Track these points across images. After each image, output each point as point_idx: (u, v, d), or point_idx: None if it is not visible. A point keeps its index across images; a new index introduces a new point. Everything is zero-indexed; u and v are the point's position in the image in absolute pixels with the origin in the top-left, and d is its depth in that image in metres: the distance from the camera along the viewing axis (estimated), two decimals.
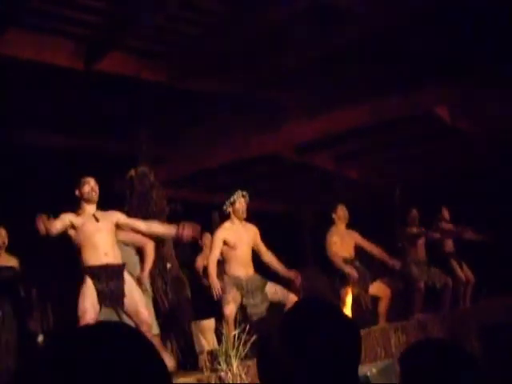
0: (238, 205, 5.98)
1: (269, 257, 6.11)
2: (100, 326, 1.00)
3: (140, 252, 5.80)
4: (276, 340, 1.52)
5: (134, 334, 0.97)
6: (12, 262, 6.00)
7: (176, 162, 8.65)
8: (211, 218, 7.74)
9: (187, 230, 5.30)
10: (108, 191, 5.43)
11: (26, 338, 5.68)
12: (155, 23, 5.92)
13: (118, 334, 0.95)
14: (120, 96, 6.79)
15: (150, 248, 5.72)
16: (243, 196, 6.02)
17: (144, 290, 5.50)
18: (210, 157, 8.56)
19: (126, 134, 7.30)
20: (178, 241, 5.61)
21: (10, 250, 5.97)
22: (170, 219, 6.25)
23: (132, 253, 5.77)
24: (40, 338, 5.81)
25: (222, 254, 5.93)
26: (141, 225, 5.38)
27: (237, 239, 5.93)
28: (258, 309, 5.76)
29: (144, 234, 5.47)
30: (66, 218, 5.04)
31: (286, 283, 6.21)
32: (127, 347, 0.92)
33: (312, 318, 1.53)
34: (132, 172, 6.33)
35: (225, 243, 5.89)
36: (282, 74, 7.06)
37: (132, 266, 5.62)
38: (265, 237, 6.22)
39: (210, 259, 5.85)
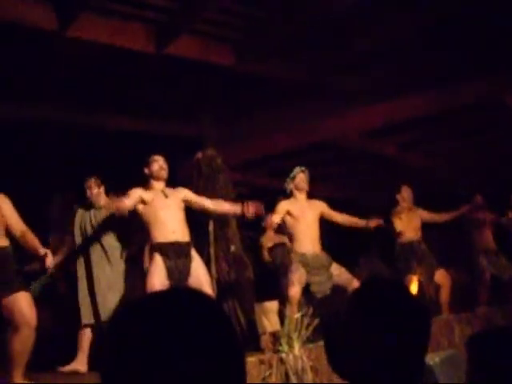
0: (298, 179, 6.09)
1: (344, 217, 6.16)
2: (179, 291, 1.03)
3: None
4: (343, 318, 1.53)
5: (212, 302, 0.99)
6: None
7: (242, 146, 8.70)
8: (276, 203, 7.77)
9: (252, 208, 5.38)
10: (174, 174, 5.53)
11: None
12: (223, 7, 5.97)
13: (196, 300, 0.98)
14: (188, 79, 6.87)
15: None
16: (302, 171, 6.11)
17: None
18: (275, 142, 8.58)
19: (193, 117, 7.40)
20: (242, 219, 5.67)
21: None
22: (236, 202, 6.30)
23: None
24: None
25: (288, 229, 6.01)
26: (207, 202, 5.46)
27: (300, 213, 6.00)
28: (322, 286, 5.80)
29: (210, 212, 5.58)
30: (136, 193, 5.15)
31: (350, 268, 6.21)
32: (205, 314, 0.95)
33: (382, 298, 1.54)
34: (199, 155, 6.41)
35: (288, 213, 5.97)
36: (348, 60, 7.01)
37: None
38: (328, 224, 6.24)
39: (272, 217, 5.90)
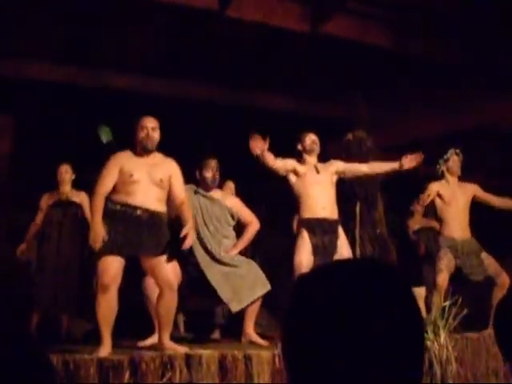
0: (451, 162, 5.89)
1: (501, 200, 5.90)
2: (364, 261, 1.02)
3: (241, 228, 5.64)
4: None
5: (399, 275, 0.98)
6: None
7: (393, 129, 8.52)
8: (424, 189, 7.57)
9: (410, 161, 5.24)
10: (323, 155, 5.52)
11: None
12: None
13: (385, 271, 0.97)
14: (341, 59, 6.82)
15: (252, 228, 5.52)
16: (456, 154, 5.89)
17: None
18: (428, 126, 8.31)
19: (344, 97, 7.34)
20: (398, 171, 5.42)
21: None
22: (385, 185, 6.23)
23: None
24: None
25: (437, 212, 5.84)
26: (362, 166, 5.39)
27: (451, 196, 5.80)
28: (474, 269, 5.60)
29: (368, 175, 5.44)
30: (290, 162, 5.17)
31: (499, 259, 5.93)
32: (393, 286, 0.95)
33: None
34: (349, 136, 6.37)
35: (439, 196, 5.79)
36: (505, 41, 6.62)
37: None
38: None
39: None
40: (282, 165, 5.12)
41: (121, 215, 4.37)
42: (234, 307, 5.21)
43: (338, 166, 5.31)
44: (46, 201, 6.17)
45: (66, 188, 6.21)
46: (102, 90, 7.08)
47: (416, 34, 6.65)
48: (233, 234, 5.56)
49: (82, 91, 7.12)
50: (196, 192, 5.46)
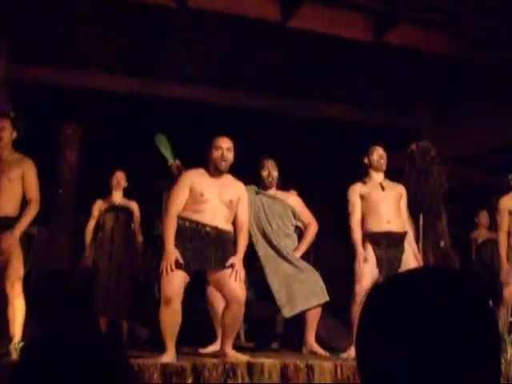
0: None
1: None
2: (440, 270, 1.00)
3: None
4: None
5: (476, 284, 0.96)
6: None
7: (457, 139, 8.36)
8: (490, 201, 7.40)
9: None
10: (387, 165, 5.46)
11: None
12: None
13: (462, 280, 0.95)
14: (405, 68, 6.75)
15: (312, 229, 5.53)
16: None
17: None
18: (494, 136, 8.11)
19: (408, 107, 7.27)
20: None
21: None
22: (448, 196, 6.12)
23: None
24: None
25: (506, 226, 5.69)
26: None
27: None
28: None
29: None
30: (356, 191, 5.21)
31: None
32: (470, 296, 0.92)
33: None
34: (413, 146, 6.28)
35: (510, 213, 5.65)
36: None
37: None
38: None
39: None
40: (358, 210, 5.17)
41: (190, 232, 4.48)
42: (287, 313, 5.22)
43: (402, 194, 5.34)
44: (98, 207, 6.34)
45: (119, 194, 6.37)
46: (163, 100, 7.20)
47: (481, 42, 6.52)
48: (294, 234, 5.58)
49: (144, 101, 7.25)
50: (257, 192, 5.53)
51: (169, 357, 4.27)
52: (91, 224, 6.29)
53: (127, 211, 6.31)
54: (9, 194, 4.57)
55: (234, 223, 4.63)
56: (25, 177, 4.62)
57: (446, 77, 7.07)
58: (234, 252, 4.52)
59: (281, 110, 7.55)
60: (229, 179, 4.66)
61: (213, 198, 4.50)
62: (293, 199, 5.66)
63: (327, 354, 5.06)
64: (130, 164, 6.65)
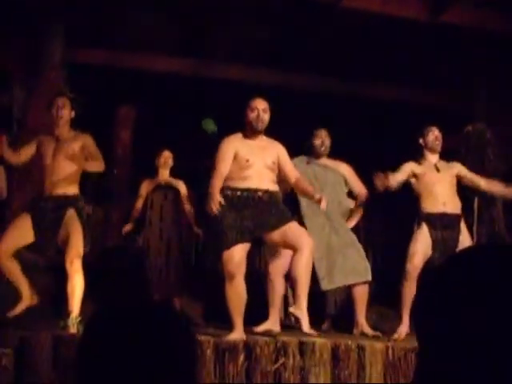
0: None
1: None
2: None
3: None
4: None
5: None
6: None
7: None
8: None
9: None
10: (443, 146, 5.38)
11: None
12: None
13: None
14: (461, 49, 6.61)
15: (363, 198, 5.53)
16: None
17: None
18: None
19: (464, 88, 7.13)
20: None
21: None
22: (505, 178, 5.97)
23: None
24: None
25: None
26: (480, 181, 5.25)
27: None
28: None
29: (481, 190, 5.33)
30: (408, 168, 5.16)
31: None
32: None
33: None
34: (469, 128, 6.17)
35: None
36: None
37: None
38: None
39: None
40: (402, 177, 5.13)
41: (244, 200, 4.47)
42: (325, 285, 5.23)
43: (460, 170, 5.25)
44: (146, 186, 6.40)
45: (166, 173, 6.43)
46: (216, 80, 7.23)
47: None
48: (347, 202, 5.58)
49: (196, 82, 7.30)
50: (308, 162, 5.54)
51: (237, 334, 4.29)
52: (139, 203, 6.35)
53: (175, 189, 6.37)
54: (68, 170, 4.65)
55: (286, 182, 4.67)
56: (85, 147, 4.70)
57: (501, 58, 6.90)
58: (288, 210, 4.62)
59: (332, 90, 7.49)
60: (266, 141, 4.66)
61: (257, 161, 4.51)
62: (344, 167, 5.61)
63: (379, 334, 5.04)
64: (181, 144, 6.70)
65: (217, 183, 4.48)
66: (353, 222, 5.54)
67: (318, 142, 5.49)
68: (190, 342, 1.16)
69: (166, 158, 6.42)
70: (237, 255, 4.36)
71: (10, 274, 4.60)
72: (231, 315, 4.39)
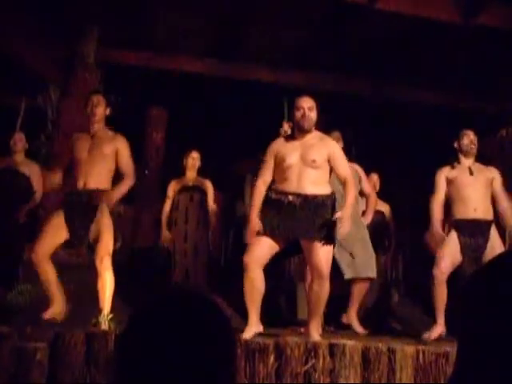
0: None
1: None
2: None
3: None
4: None
5: None
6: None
7: None
8: None
9: None
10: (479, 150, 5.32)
11: None
12: None
13: None
14: (495, 51, 6.53)
15: (374, 199, 5.64)
16: None
17: None
18: None
19: (498, 91, 7.04)
20: None
21: None
22: None
23: None
24: None
25: None
26: (503, 202, 5.10)
27: None
28: None
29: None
30: (442, 178, 5.11)
31: None
32: None
33: None
34: (503, 132, 6.10)
35: None
36: None
37: None
38: None
39: None
40: (442, 195, 5.11)
41: (275, 202, 4.38)
42: (349, 274, 5.28)
43: (494, 176, 5.13)
44: (173, 187, 6.40)
45: (193, 174, 6.43)
46: (250, 83, 7.25)
47: None
48: (361, 200, 5.64)
49: (230, 84, 7.33)
50: None
51: (251, 329, 4.29)
52: (167, 205, 6.36)
53: (201, 190, 6.37)
54: (101, 167, 4.67)
55: (341, 178, 4.48)
56: (119, 152, 4.70)
57: None
58: (329, 216, 4.32)
59: (366, 94, 7.46)
60: (315, 138, 4.46)
61: (296, 162, 4.36)
62: (357, 167, 5.65)
63: (365, 332, 5.23)
64: (213, 146, 6.73)
65: (255, 198, 4.45)
66: (368, 218, 5.61)
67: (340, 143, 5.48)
68: (230, 340, 1.16)
69: (194, 159, 6.43)
70: (256, 249, 4.30)
71: (46, 278, 4.58)
72: (247, 308, 4.36)
